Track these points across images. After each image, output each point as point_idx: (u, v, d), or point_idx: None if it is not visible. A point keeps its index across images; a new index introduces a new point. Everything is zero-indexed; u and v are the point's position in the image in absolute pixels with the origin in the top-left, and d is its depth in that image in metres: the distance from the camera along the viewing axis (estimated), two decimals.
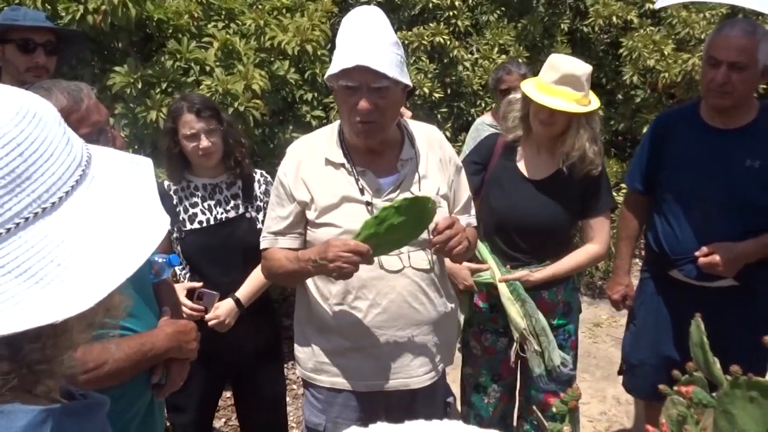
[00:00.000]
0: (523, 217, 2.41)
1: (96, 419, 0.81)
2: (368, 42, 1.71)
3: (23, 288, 0.65)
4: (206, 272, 2.39)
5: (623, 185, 4.92)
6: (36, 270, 0.66)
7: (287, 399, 3.75)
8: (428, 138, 1.98)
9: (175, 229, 2.36)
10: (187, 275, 2.44)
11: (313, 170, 1.87)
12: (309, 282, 1.94)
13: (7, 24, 2.37)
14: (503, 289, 2.44)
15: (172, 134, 2.34)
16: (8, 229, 0.66)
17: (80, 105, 1.46)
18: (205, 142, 2.32)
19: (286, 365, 4.05)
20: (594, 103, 2.36)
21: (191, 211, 2.38)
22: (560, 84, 2.27)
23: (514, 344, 2.48)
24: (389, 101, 1.76)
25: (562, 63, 2.32)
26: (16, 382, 0.71)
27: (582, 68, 2.30)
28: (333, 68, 1.73)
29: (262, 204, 2.47)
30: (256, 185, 2.49)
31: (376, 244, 1.68)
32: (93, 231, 0.70)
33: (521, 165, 2.47)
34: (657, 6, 3.07)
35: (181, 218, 2.36)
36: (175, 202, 2.37)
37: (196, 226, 2.37)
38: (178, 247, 2.37)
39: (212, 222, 2.39)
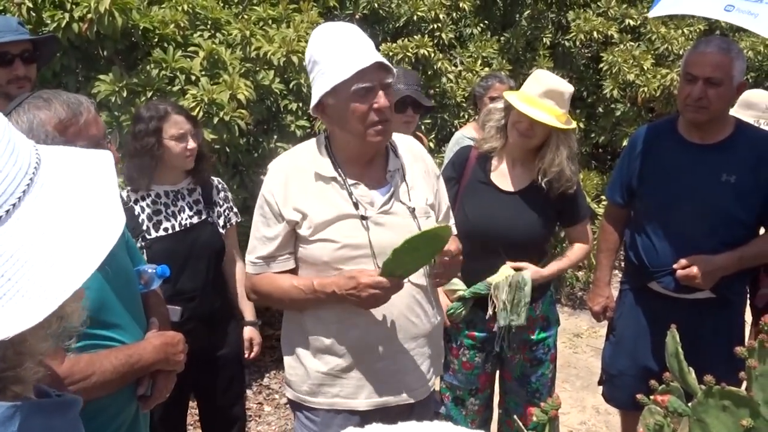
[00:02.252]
0: (498, 228, 2.42)
1: (67, 416, 0.80)
2: (362, 43, 1.73)
3: None
4: (173, 279, 2.34)
5: (603, 197, 5.00)
6: None
7: (269, 408, 3.76)
8: (409, 148, 1.98)
9: (140, 238, 2.34)
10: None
11: (302, 186, 1.82)
12: None
13: None
14: (505, 271, 2.42)
15: (157, 135, 2.33)
16: None
17: (79, 118, 1.46)
18: (192, 143, 2.37)
19: (267, 374, 4.05)
20: (572, 123, 2.41)
21: (155, 218, 2.38)
22: (544, 97, 2.31)
23: (489, 309, 2.43)
24: (393, 98, 1.79)
25: (547, 78, 2.37)
26: None
27: (566, 86, 2.36)
28: (340, 76, 1.68)
29: (221, 210, 2.55)
30: (214, 191, 2.55)
31: (402, 270, 1.72)
32: (42, 241, 0.69)
33: (495, 176, 2.49)
34: (651, 15, 3.13)
35: (145, 227, 2.36)
36: (137, 212, 2.36)
37: (161, 233, 2.38)
38: (144, 256, 2.33)
39: (177, 228, 2.40)
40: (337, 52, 1.71)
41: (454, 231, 1.99)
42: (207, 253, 2.44)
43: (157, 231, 2.37)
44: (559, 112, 2.32)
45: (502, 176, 2.49)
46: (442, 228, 1.68)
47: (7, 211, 0.68)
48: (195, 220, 2.44)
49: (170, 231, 2.39)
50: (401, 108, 2.85)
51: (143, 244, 2.34)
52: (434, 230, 1.66)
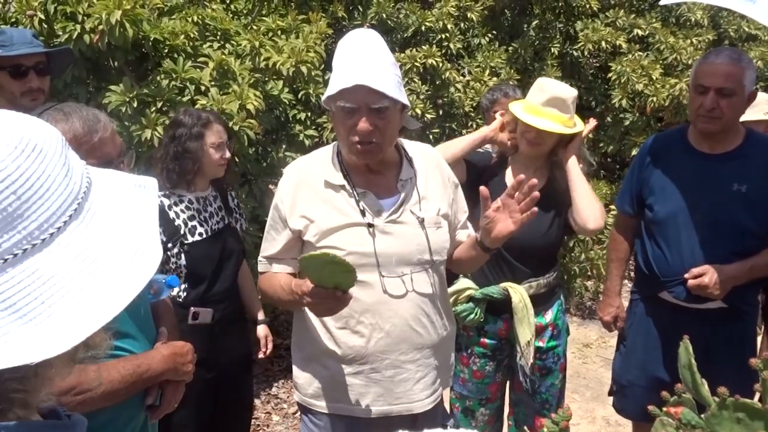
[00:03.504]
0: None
1: None
2: (367, 62, 1.70)
3: (7, 322, 0.64)
4: (207, 283, 2.47)
5: (612, 207, 4.98)
6: (20, 306, 0.64)
7: (277, 418, 3.75)
8: (426, 157, 1.98)
9: (177, 243, 2.41)
10: (184, 293, 2.46)
11: (312, 193, 1.85)
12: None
13: None
14: (522, 295, 2.42)
15: (200, 140, 2.41)
16: None
17: (93, 136, 1.47)
18: (228, 153, 2.49)
19: (276, 383, 4.04)
20: (579, 125, 2.43)
21: (190, 224, 2.45)
22: (547, 106, 2.34)
23: (519, 355, 2.44)
24: (388, 121, 1.75)
25: (549, 86, 2.39)
26: None
27: (568, 92, 2.38)
28: (331, 90, 1.72)
29: (237, 216, 2.70)
30: (229, 198, 2.68)
31: (328, 283, 1.59)
32: (81, 268, 0.68)
33: (509, 183, 2.48)
34: (662, 2, 3.15)
35: (182, 232, 2.43)
36: (172, 216, 2.42)
37: (197, 237, 2.46)
38: (182, 261, 2.41)
39: (210, 233, 2.49)
40: (340, 65, 1.74)
41: (462, 237, 1.98)
42: (234, 256, 2.57)
43: (192, 236, 2.45)
44: (564, 118, 2.36)
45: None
46: (341, 261, 1.53)
47: (51, 234, 0.67)
48: (221, 225, 2.56)
49: (204, 236, 2.48)
50: None
51: (182, 248, 2.42)
52: (332, 258, 1.52)
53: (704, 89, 2.31)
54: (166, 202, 2.43)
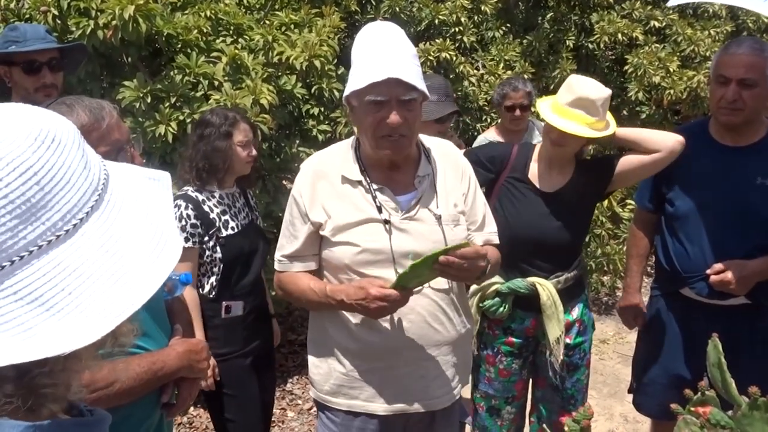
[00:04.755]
0: (530, 227, 2.38)
1: None
2: (394, 54, 1.69)
3: (34, 315, 0.64)
4: (237, 275, 2.53)
5: (630, 201, 4.93)
6: (47, 298, 0.65)
7: (292, 414, 3.74)
8: (444, 153, 1.95)
9: (213, 237, 2.46)
10: (216, 289, 2.51)
11: (329, 188, 1.83)
12: None
13: (9, 52, 2.38)
14: (550, 290, 2.38)
15: (228, 139, 2.47)
16: (21, 257, 0.65)
17: (101, 123, 1.45)
18: (254, 151, 2.55)
19: (291, 380, 4.04)
20: (611, 127, 2.32)
21: (223, 218, 2.51)
22: (573, 106, 2.24)
23: (548, 352, 2.43)
24: (415, 114, 1.74)
25: (577, 85, 2.27)
26: (19, 403, 0.70)
27: (597, 92, 2.24)
28: (358, 83, 1.69)
29: (257, 213, 2.76)
30: (249, 195, 2.75)
31: (415, 282, 1.71)
32: (106, 259, 0.69)
33: (533, 176, 2.44)
34: (669, 4, 3.09)
35: (217, 225, 2.49)
36: (206, 210, 2.48)
37: (230, 231, 2.51)
38: (218, 253, 2.46)
39: (240, 228, 2.56)
40: (364, 58, 1.72)
41: (479, 241, 1.95)
42: (260, 250, 2.63)
43: (226, 229, 2.51)
44: (591, 120, 2.25)
45: (539, 176, 2.44)
46: (464, 245, 1.67)
47: (75, 225, 0.68)
48: (247, 221, 2.62)
49: (236, 230, 2.54)
50: (440, 118, 2.81)
51: (218, 241, 2.48)
52: (456, 247, 1.64)
53: (726, 80, 2.26)
54: (200, 197, 2.48)
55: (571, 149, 2.35)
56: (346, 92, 1.76)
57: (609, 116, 2.34)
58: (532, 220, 2.39)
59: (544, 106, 2.34)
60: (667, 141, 2.30)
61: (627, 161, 2.38)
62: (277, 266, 1.94)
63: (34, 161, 0.65)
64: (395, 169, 1.85)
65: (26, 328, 0.64)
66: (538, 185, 2.42)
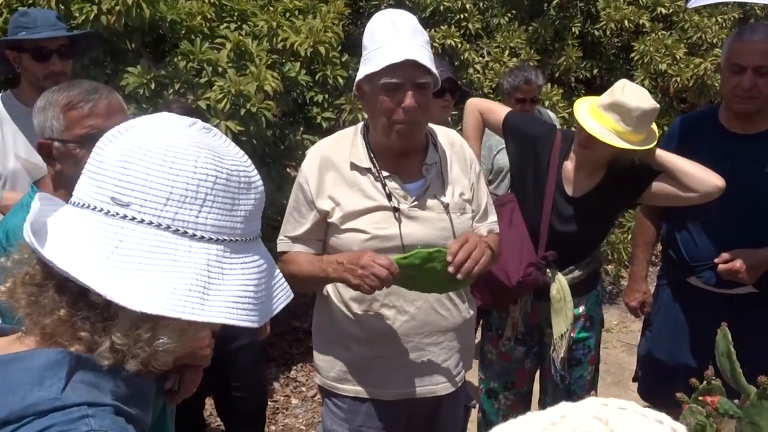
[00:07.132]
0: (553, 232, 2.33)
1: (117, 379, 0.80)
2: (410, 38, 1.69)
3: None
4: None
5: None
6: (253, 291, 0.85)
7: (296, 401, 3.75)
8: (450, 141, 1.95)
9: None
10: None
11: (337, 175, 1.83)
12: (331, 290, 1.90)
13: (19, 39, 2.36)
14: (562, 284, 2.33)
15: None
16: (246, 239, 0.85)
17: (84, 105, 1.49)
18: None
19: (295, 367, 4.04)
20: (649, 140, 2.14)
21: None
22: (608, 110, 2.11)
23: (552, 349, 2.40)
24: (428, 99, 1.75)
25: (620, 90, 2.12)
26: (89, 327, 0.77)
27: (638, 101, 2.07)
28: (373, 66, 1.69)
29: None
30: None
31: (407, 275, 1.68)
32: (271, 265, 0.90)
33: (565, 179, 2.34)
34: (690, 6, 3.06)
35: None
36: None
37: None
38: None
39: None
40: (379, 42, 1.71)
41: (484, 231, 1.95)
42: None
43: None
44: (622, 129, 2.08)
45: (567, 177, 2.34)
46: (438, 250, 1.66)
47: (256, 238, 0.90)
48: None
49: None
50: (439, 92, 2.77)
51: None
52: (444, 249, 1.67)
53: (740, 68, 2.22)
54: None
55: (598, 156, 2.22)
56: (359, 76, 1.74)
57: (652, 133, 2.18)
58: (554, 225, 2.33)
59: (583, 104, 2.23)
60: (705, 184, 2.13)
61: (660, 188, 2.23)
62: (279, 246, 1.93)
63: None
64: (404, 157, 1.84)
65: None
66: (564, 187, 2.33)
